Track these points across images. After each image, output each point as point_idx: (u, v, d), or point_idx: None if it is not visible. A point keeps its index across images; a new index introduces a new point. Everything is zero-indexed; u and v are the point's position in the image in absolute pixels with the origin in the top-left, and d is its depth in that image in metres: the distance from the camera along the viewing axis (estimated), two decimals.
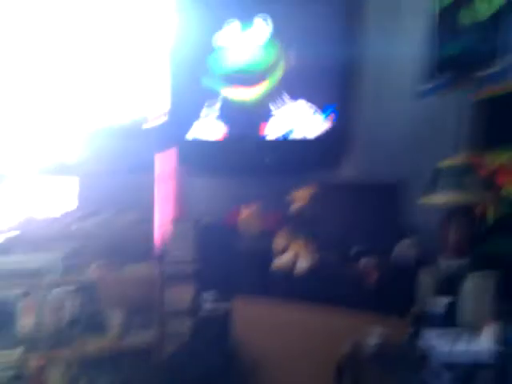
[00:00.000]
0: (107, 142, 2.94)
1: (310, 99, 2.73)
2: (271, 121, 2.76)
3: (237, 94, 2.72)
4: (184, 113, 2.81)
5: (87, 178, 2.85)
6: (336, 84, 2.73)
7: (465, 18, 2.72)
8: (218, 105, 2.75)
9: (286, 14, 2.66)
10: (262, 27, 2.66)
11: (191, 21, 2.72)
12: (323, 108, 2.74)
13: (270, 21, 2.65)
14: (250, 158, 2.80)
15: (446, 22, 2.85)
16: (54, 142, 2.91)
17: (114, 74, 3.02)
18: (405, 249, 2.44)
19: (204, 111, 2.76)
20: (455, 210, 2.21)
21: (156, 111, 2.89)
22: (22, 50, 2.89)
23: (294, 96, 2.72)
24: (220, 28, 2.68)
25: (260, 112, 2.77)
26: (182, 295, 2.79)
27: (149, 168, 2.90)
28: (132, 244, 2.95)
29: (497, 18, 2.50)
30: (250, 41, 2.68)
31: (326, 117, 2.74)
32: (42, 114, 2.94)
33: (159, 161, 2.94)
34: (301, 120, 2.75)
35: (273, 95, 2.73)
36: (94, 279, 2.80)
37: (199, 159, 2.85)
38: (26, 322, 2.65)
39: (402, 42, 3.20)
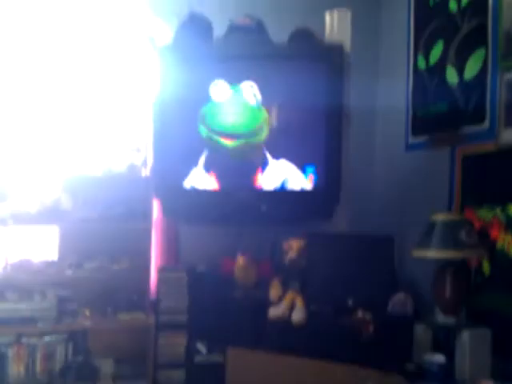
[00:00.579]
0: (103, 187, 2.96)
1: (290, 159, 2.80)
2: (262, 172, 2.81)
3: (225, 144, 2.78)
4: (180, 161, 2.84)
5: (82, 223, 2.85)
6: (316, 144, 2.80)
7: (451, 76, 2.84)
8: (207, 154, 2.79)
9: (273, 81, 2.76)
10: (249, 92, 2.75)
11: (182, 73, 2.80)
12: (303, 168, 2.81)
13: (256, 87, 2.75)
14: (245, 206, 2.82)
15: (433, 79, 2.97)
16: (48, 187, 2.94)
17: (110, 119, 3.08)
18: (400, 302, 2.47)
19: (197, 160, 2.80)
20: (450, 264, 2.25)
21: (152, 158, 2.94)
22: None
23: (276, 156, 2.79)
24: (209, 84, 2.75)
25: (249, 163, 2.82)
26: (174, 345, 2.77)
27: (146, 215, 2.92)
28: (125, 292, 2.94)
29: (483, 76, 2.61)
30: (238, 101, 2.77)
31: (307, 176, 2.81)
32: (36, 159, 2.97)
33: (157, 208, 2.97)
34: (289, 174, 2.81)
35: (257, 152, 2.80)
36: (87, 327, 2.78)
37: (194, 207, 2.87)
38: (16, 370, 2.62)
39: (390, 98, 3.34)
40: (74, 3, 3.03)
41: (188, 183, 2.80)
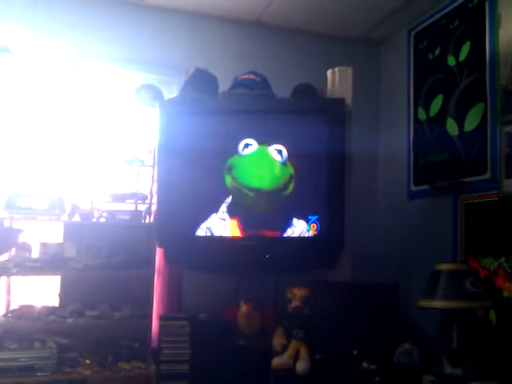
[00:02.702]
0: (106, 234, 2.96)
1: (295, 208, 2.84)
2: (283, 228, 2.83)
3: (247, 197, 2.81)
4: (186, 209, 2.86)
5: (85, 271, 2.83)
6: (319, 193, 2.84)
7: (451, 128, 2.91)
8: (231, 201, 2.82)
9: (276, 133, 2.82)
10: (276, 153, 2.81)
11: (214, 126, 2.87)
12: (306, 216, 2.83)
13: (284, 150, 2.81)
14: (249, 253, 2.83)
15: (434, 130, 3.05)
16: (52, 235, 2.94)
17: (115, 167, 3.11)
18: (406, 352, 2.44)
19: (218, 207, 2.82)
20: (456, 313, 2.24)
21: (156, 206, 2.95)
22: None
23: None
24: (240, 141, 2.81)
25: (267, 214, 2.86)
26: None
27: (148, 262, 2.91)
28: (126, 340, 2.89)
29: (483, 128, 2.68)
30: (264, 160, 2.83)
31: (310, 225, 2.83)
32: (39, 203, 2.97)
33: (159, 255, 2.96)
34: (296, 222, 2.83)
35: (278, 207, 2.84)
36: (86, 376, 2.71)
37: (197, 254, 2.87)
38: None
39: (391, 147, 3.41)
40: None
41: (194, 231, 2.82)
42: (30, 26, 3.06)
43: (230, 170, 2.81)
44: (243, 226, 2.81)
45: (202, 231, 2.82)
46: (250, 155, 2.81)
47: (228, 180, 2.81)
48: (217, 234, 2.81)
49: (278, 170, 2.81)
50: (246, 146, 2.81)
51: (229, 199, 2.82)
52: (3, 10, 3.03)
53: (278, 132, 2.84)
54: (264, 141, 2.81)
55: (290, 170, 2.81)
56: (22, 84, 3.05)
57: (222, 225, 2.81)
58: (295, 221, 2.83)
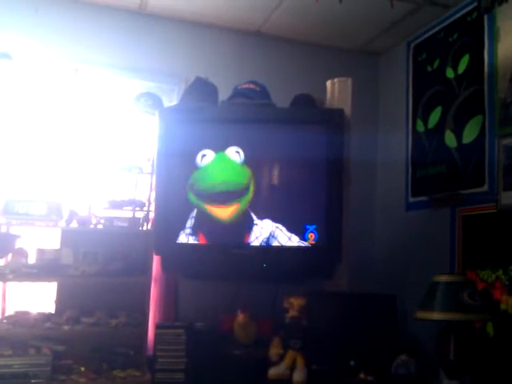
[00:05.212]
0: (104, 241, 2.96)
1: (292, 217, 2.82)
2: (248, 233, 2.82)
3: (214, 211, 2.80)
4: (177, 218, 2.86)
5: (82, 278, 2.82)
6: (317, 203, 2.84)
7: (450, 140, 2.93)
8: (196, 218, 2.82)
9: (257, 145, 2.82)
10: (235, 156, 2.81)
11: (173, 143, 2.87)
12: (304, 226, 2.82)
13: (241, 151, 2.81)
14: (246, 263, 2.82)
15: (432, 142, 3.06)
16: (49, 241, 2.94)
17: (114, 174, 3.11)
18: (403, 363, 2.44)
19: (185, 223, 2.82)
20: (453, 326, 2.24)
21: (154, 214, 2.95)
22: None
23: (261, 217, 2.81)
24: (198, 152, 2.81)
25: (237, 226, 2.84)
26: None
27: (145, 270, 2.91)
28: (122, 348, 2.88)
29: (481, 141, 2.70)
30: (222, 160, 2.82)
31: (307, 235, 2.82)
32: (37, 210, 2.97)
33: (156, 263, 2.95)
34: (280, 233, 2.82)
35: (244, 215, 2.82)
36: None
37: (194, 263, 2.87)
38: None
39: (389, 159, 3.42)
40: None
41: (184, 239, 2.82)
42: (31, 32, 3.07)
43: (191, 186, 2.81)
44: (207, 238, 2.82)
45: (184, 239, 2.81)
46: (208, 164, 2.81)
47: (191, 197, 2.80)
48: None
49: (238, 169, 2.80)
50: (203, 156, 2.81)
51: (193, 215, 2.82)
52: (4, 16, 3.04)
53: (276, 142, 2.85)
54: (221, 148, 2.81)
55: (248, 171, 2.80)
56: (22, 90, 3.06)
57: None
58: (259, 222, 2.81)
